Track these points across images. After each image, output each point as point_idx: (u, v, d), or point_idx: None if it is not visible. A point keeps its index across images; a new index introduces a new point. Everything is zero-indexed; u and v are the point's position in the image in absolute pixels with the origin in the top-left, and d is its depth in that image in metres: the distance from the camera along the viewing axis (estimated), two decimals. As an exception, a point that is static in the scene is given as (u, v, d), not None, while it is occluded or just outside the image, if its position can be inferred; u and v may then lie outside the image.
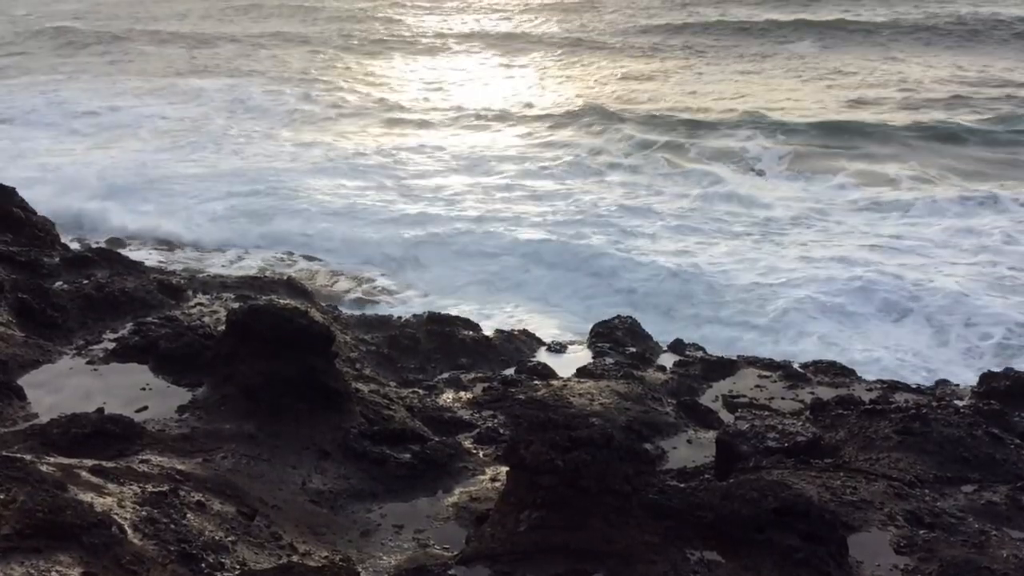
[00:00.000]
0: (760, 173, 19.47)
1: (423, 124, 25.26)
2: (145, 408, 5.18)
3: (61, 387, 5.58)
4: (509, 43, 39.94)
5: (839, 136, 21.33)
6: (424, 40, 41.76)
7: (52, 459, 3.95)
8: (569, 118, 24.68)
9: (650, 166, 20.16)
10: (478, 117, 25.98)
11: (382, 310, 11.64)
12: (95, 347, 6.19)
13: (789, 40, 34.51)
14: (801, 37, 34.81)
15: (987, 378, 5.95)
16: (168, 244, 16.21)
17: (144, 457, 4.36)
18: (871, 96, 25.31)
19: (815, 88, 26.93)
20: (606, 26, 41.59)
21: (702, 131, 22.61)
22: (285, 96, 28.55)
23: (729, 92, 26.98)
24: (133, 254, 10.78)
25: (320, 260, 15.47)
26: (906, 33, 34.61)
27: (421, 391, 6.21)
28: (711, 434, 5.55)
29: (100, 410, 4.87)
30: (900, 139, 21.01)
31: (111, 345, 6.17)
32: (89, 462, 3.96)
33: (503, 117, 25.71)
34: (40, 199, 11.58)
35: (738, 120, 23.01)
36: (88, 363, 5.93)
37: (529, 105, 27.19)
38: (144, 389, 5.53)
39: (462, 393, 6.30)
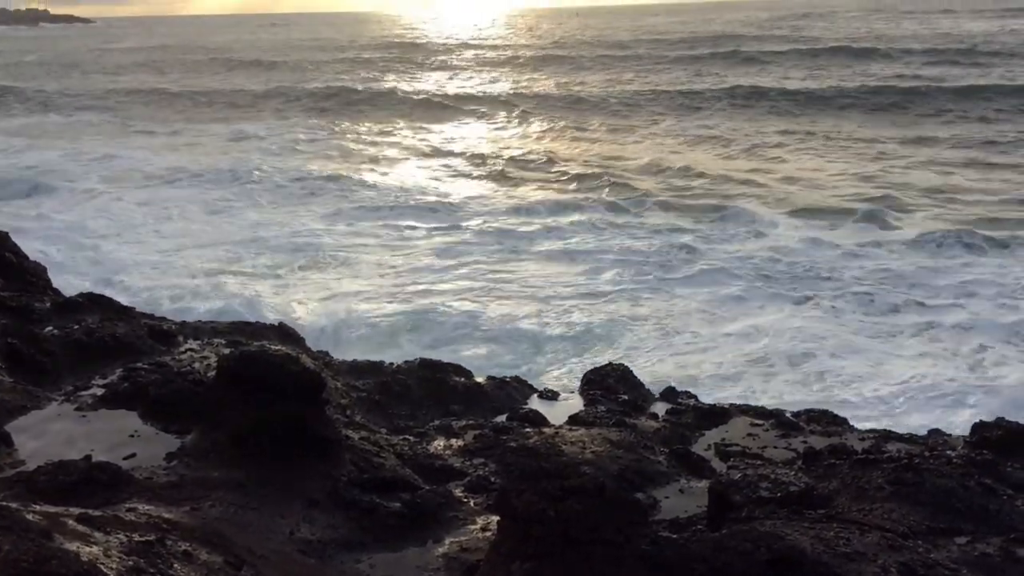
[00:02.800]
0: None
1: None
2: (133, 455, 5.14)
3: (49, 433, 5.53)
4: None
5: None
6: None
7: (38, 507, 3.90)
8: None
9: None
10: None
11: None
12: (84, 393, 6.15)
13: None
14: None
15: (979, 428, 5.92)
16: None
17: (131, 505, 4.31)
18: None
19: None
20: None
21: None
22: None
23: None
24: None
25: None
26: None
27: (412, 438, 6.16)
28: (703, 483, 5.51)
29: (88, 457, 4.83)
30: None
31: (100, 391, 6.12)
32: (76, 510, 3.91)
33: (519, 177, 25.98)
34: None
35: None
36: (77, 409, 5.89)
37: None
38: (133, 436, 5.48)
39: (453, 440, 6.26)
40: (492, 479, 5.51)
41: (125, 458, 5.07)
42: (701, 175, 26.18)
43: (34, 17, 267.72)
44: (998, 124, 32.66)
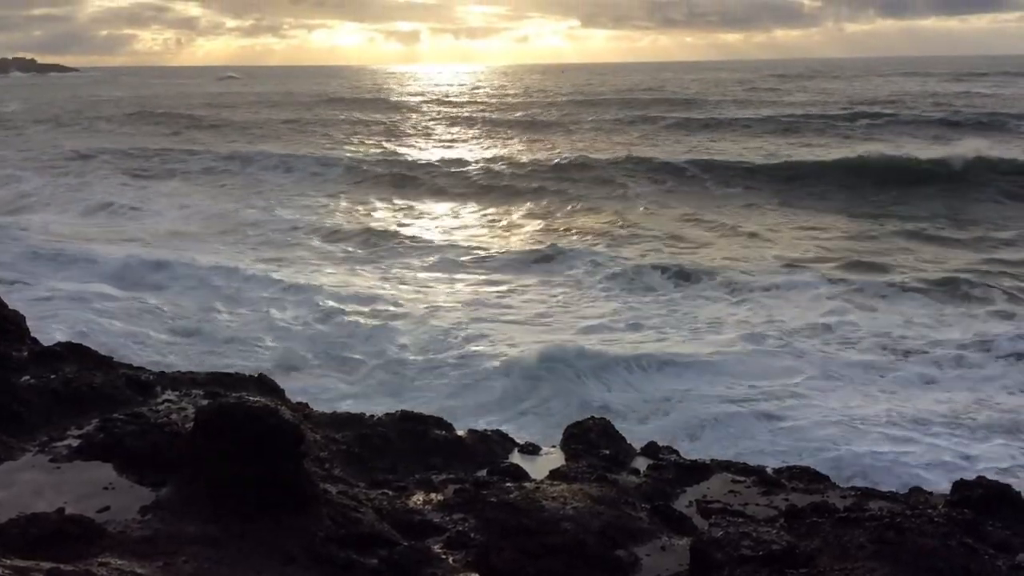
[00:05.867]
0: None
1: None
2: (107, 508, 5.07)
3: (21, 485, 5.45)
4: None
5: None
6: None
7: (8, 561, 3.83)
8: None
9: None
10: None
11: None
12: (59, 444, 6.07)
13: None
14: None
15: (960, 487, 5.93)
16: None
17: (104, 560, 4.24)
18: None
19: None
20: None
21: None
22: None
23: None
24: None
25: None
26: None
27: (391, 492, 6.10)
28: (685, 540, 5.46)
29: (60, 510, 4.76)
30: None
31: (76, 442, 6.05)
32: (46, 565, 3.85)
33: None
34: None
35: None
36: (51, 460, 5.81)
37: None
38: (107, 488, 5.41)
39: (433, 495, 6.20)
40: (472, 535, 5.44)
41: (99, 511, 4.99)
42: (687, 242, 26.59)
43: (3, 66, 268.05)
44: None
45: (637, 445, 7.87)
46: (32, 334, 8.69)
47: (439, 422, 7.77)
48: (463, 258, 24.80)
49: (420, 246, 26.30)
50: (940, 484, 9.09)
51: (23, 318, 8.73)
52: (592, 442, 7.53)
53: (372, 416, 7.76)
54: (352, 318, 18.27)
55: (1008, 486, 5.91)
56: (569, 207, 33.32)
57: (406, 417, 7.58)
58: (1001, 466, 11.45)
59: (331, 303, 19.46)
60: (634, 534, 5.66)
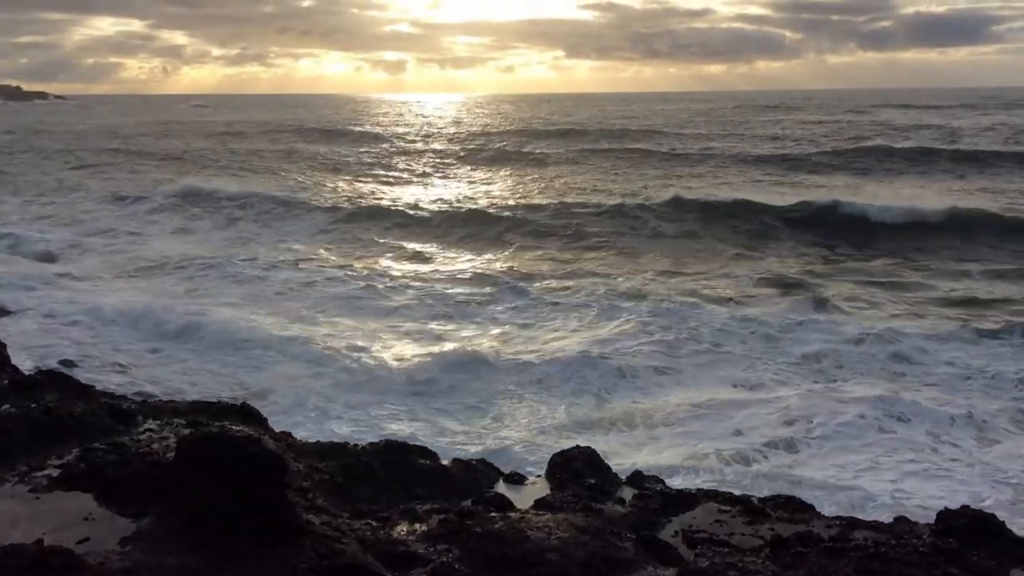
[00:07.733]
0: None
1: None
2: (87, 539, 5.00)
3: (-1, 515, 5.39)
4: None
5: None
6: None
7: (-16, 594, 3.78)
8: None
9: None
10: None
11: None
12: (38, 474, 6.01)
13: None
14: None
15: (945, 516, 5.93)
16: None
17: (82, 592, 4.19)
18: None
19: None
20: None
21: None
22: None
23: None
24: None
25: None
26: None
27: (374, 522, 6.04)
28: (671, 571, 5.44)
29: (39, 541, 4.70)
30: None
31: (55, 472, 5.99)
32: (23, 597, 3.79)
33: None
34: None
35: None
36: (30, 490, 5.75)
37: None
38: (87, 519, 5.35)
39: (417, 525, 6.14)
40: (456, 566, 5.40)
41: (78, 542, 4.93)
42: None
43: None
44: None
45: (622, 474, 7.85)
46: (12, 362, 8.62)
47: (424, 451, 7.72)
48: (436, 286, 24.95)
49: (406, 284, 26.05)
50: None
51: (4, 346, 8.68)
52: (577, 471, 7.50)
53: (356, 445, 7.71)
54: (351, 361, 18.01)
55: (992, 515, 5.92)
56: (558, 242, 33.28)
57: (390, 447, 7.53)
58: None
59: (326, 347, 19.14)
60: (619, 565, 5.63)
